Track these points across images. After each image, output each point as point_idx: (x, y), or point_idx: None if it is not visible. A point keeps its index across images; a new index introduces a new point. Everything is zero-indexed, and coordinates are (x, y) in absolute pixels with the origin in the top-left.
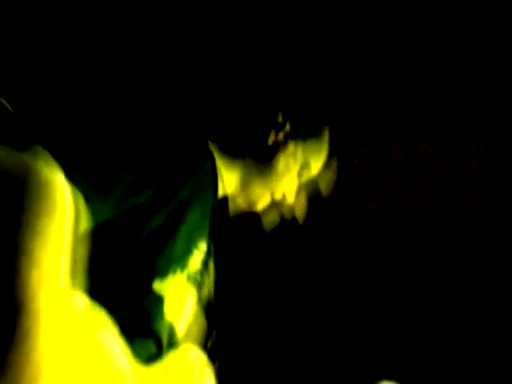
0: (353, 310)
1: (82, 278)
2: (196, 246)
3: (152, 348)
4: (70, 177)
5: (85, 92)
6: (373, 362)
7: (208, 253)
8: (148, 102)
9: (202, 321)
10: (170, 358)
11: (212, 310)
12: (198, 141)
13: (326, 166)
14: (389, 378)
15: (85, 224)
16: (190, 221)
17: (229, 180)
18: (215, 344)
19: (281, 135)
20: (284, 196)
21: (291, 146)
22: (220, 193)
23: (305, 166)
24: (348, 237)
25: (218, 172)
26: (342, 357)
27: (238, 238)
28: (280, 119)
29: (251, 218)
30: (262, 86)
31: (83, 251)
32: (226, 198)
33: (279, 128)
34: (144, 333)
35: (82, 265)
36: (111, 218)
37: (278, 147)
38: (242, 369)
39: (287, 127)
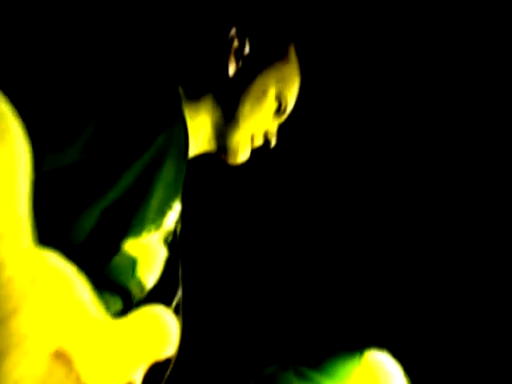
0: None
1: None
2: (169, 206)
3: (120, 303)
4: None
5: (47, 35)
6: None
7: (181, 212)
8: (111, 48)
9: (169, 279)
10: (136, 315)
11: (178, 268)
12: (169, 91)
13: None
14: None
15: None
16: (163, 179)
17: (198, 131)
18: (180, 302)
19: (240, 61)
20: (266, 136)
21: (258, 76)
22: (192, 149)
23: (280, 98)
24: None
25: (187, 123)
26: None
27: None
28: (235, 40)
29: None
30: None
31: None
32: (198, 155)
33: (237, 52)
34: (113, 288)
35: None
36: (71, 165)
37: (241, 78)
38: (205, 328)
39: (246, 49)
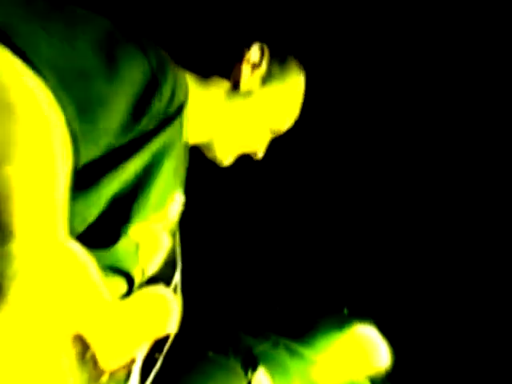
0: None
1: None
2: (173, 197)
3: (124, 286)
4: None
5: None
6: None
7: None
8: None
9: (171, 264)
10: (139, 295)
11: (177, 250)
12: (179, 79)
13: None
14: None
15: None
16: (166, 169)
17: (199, 120)
18: (179, 282)
19: (256, 74)
20: (254, 149)
21: (265, 88)
22: (191, 139)
23: (279, 117)
24: None
25: (192, 113)
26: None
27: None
28: (256, 54)
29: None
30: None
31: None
32: (199, 147)
33: (253, 65)
34: (118, 272)
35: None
36: (95, 159)
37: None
38: (206, 307)
39: (263, 65)
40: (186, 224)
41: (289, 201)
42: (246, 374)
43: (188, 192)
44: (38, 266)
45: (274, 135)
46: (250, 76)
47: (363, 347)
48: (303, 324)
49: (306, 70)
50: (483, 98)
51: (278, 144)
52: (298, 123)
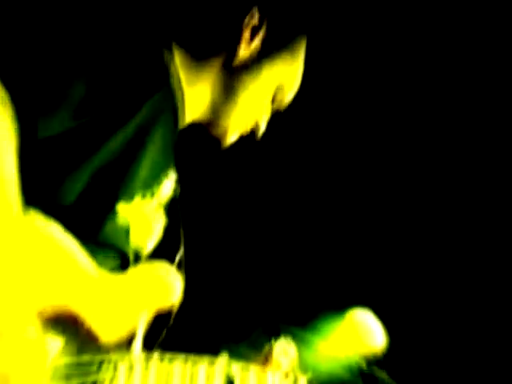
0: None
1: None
2: (165, 173)
3: (115, 260)
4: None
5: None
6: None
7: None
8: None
9: (172, 239)
10: (137, 271)
11: (180, 228)
12: (156, 56)
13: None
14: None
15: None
16: (152, 146)
17: (195, 98)
18: (183, 259)
19: (256, 41)
20: (256, 125)
21: (266, 62)
22: (184, 119)
23: (279, 89)
24: None
25: (181, 90)
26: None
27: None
28: (255, 19)
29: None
30: None
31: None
32: (192, 125)
33: (253, 31)
34: (106, 246)
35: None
36: (58, 133)
37: (250, 59)
38: (207, 284)
39: (262, 31)
40: (192, 202)
41: (295, 187)
42: (270, 341)
43: (196, 178)
44: None
45: (275, 109)
46: (248, 43)
47: (359, 329)
48: (304, 311)
49: (307, 45)
50: (482, 97)
51: (278, 140)
52: (303, 113)
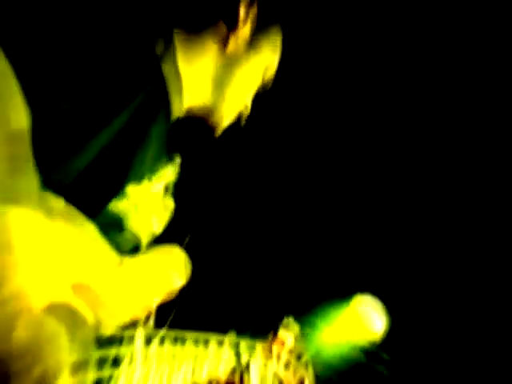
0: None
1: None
2: (169, 158)
3: (129, 242)
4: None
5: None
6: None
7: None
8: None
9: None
10: (149, 254)
11: (186, 213)
12: (149, 47)
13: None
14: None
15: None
16: (157, 129)
17: (195, 78)
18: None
19: (251, 19)
20: (245, 106)
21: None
22: (178, 108)
23: (265, 71)
24: None
25: (179, 78)
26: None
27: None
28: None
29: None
30: None
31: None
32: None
33: (248, 7)
34: (119, 229)
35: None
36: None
37: (245, 39)
38: (216, 269)
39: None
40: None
41: (299, 174)
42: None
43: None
44: None
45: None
46: (244, 22)
47: (363, 315)
48: (311, 298)
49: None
50: (480, 97)
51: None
52: (295, 109)
